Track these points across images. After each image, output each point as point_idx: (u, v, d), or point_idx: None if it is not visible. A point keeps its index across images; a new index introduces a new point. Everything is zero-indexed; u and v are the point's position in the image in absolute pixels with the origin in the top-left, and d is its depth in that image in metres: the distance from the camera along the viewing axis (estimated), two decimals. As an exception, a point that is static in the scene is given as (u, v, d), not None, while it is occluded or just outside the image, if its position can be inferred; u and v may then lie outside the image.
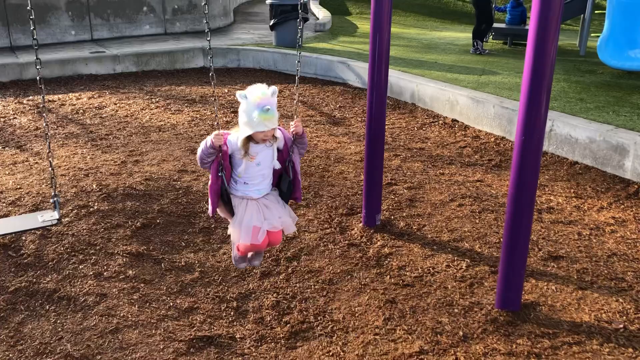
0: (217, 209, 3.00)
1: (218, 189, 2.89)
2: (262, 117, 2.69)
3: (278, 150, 2.96)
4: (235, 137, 2.86)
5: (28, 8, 3.07)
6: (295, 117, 3.03)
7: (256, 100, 2.71)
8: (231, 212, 2.94)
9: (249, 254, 3.17)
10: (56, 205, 3.38)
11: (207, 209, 3.05)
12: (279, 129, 2.93)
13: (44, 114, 3.41)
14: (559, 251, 3.77)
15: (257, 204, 2.95)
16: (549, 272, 3.54)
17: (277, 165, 2.99)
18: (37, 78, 3.13)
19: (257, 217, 2.92)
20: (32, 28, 3.04)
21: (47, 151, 3.31)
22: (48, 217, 3.41)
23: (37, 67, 3.15)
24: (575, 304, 3.19)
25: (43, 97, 3.25)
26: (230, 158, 2.91)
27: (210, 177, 2.92)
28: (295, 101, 3.21)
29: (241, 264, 3.21)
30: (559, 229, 4.09)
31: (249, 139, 2.82)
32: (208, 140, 2.80)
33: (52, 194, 3.41)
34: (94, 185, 4.61)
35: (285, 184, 3.02)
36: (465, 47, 10.37)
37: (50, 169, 3.35)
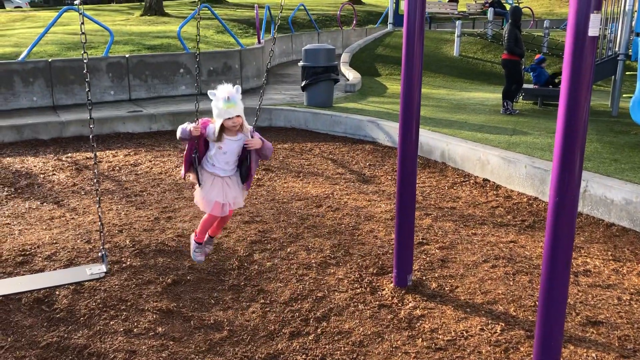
0: (189, 174, 3.58)
1: (190, 161, 3.51)
2: (225, 107, 3.32)
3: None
4: (213, 126, 3.44)
5: (84, 71, 3.40)
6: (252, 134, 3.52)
7: (221, 94, 3.33)
8: (198, 181, 3.56)
9: (205, 238, 3.85)
10: (104, 258, 3.45)
11: (181, 172, 3.72)
12: (255, 133, 3.50)
13: (95, 170, 3.61)
14: (598, 316, 3.64)
15: (222, 181, 3.55)
16: (588, 338, 3.41)
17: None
18: (90, 137, 3.38)
19: (220, 194, 3.53)
20: (87, 90, 3.39)
21: (97, 206, 3.44)
22: (96, 270, 3.47)
23: (91, 126, 3.46)
24: (617, 372, 3.05)
25: (95, 154, 3.48)
26: (206, 142, 3.54)
27: (186, 148, 3.52)
28: (259, 105, 3.86)
29: (199, 257, 3.86)
30: (597, 293, 3.96)
31: (223, 130, 3.42)
32: (190, 127, 3.38)
33: (101, 247, 3.51)
34: (127, 241, 4.68)
35: (243, 168, 3.59)
36: (495, 107, 10.42)
37: (99, 223, 3.45)
